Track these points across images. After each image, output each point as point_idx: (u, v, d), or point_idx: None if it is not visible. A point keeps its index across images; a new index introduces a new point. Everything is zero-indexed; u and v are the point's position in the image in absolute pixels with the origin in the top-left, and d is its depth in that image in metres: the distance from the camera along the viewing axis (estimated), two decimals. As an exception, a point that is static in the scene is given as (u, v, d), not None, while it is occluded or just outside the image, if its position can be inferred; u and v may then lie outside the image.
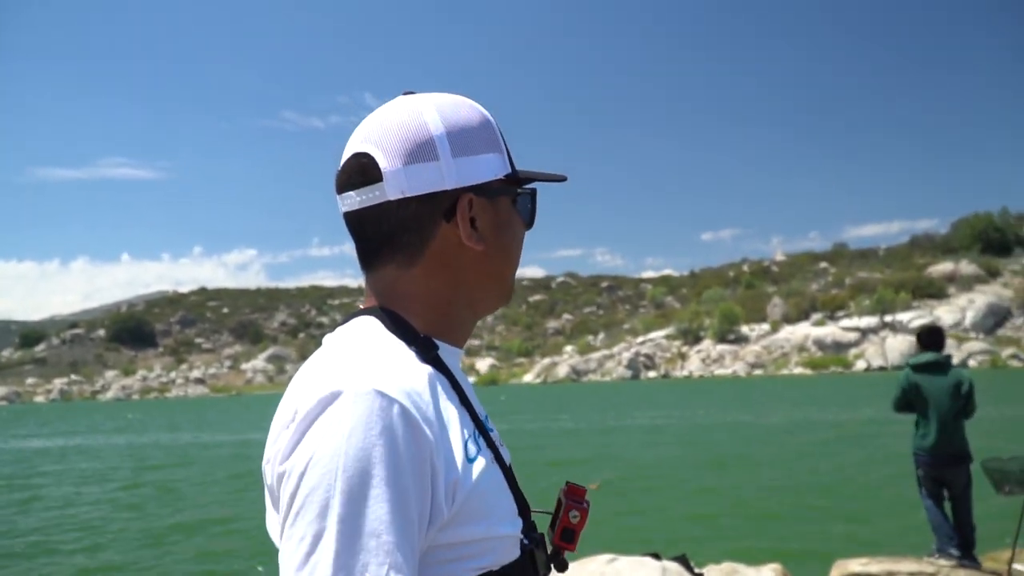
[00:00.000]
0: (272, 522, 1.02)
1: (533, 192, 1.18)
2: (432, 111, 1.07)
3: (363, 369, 0.96)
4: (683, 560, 6.60)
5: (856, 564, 7.10)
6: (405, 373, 0.98)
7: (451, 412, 1.00)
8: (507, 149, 1.14)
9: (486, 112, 1.14)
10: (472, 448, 1.01)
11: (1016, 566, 6.48)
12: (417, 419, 0.93)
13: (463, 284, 1.12)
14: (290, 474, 0.90)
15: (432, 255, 1.08)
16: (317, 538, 0.85)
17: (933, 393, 6.89)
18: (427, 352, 1.05)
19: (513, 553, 1.03)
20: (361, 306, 1.15)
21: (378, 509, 0.87)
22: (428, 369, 1.02)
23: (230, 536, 12.66)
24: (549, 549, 1.12)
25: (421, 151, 1.04)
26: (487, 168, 1.10)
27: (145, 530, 13.33)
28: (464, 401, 1.05)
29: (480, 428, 1.06)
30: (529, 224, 1.18)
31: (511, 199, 1.14)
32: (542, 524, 1.13)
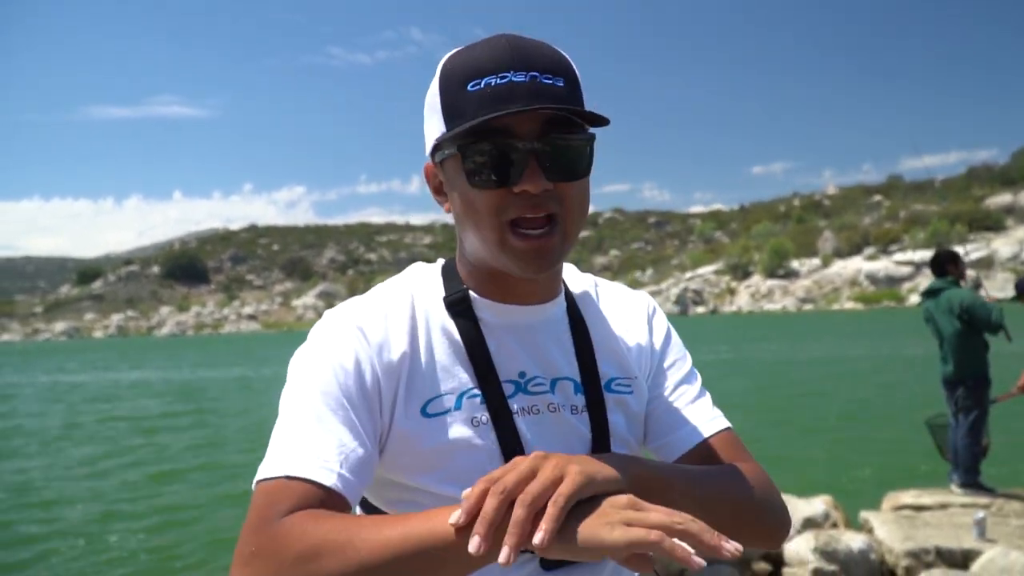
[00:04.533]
0: None
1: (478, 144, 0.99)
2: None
3: (344, 305, 1.08)
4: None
5: (908, 496, 6.98)
6: (377, 308, 1.05)
7: (422, 355, 1.03)
8: (454, 105, 1.00)
9: (440, 70, 1.04)
10: (437, 404, 1.01)
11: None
12: (360, 334, 1.01)
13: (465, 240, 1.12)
14: None
15: None
16: None
17: (935, 318, 6.93)
18: (453, 303, 1.08)
19: None
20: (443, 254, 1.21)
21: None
22: (438, 314, 1.07)
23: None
24: None
25: None
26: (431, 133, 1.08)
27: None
28: (476, 356, 1.04)
29: (493, 391, 1.02)
30: (472, 183, 1.02)
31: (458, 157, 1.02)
32: None
